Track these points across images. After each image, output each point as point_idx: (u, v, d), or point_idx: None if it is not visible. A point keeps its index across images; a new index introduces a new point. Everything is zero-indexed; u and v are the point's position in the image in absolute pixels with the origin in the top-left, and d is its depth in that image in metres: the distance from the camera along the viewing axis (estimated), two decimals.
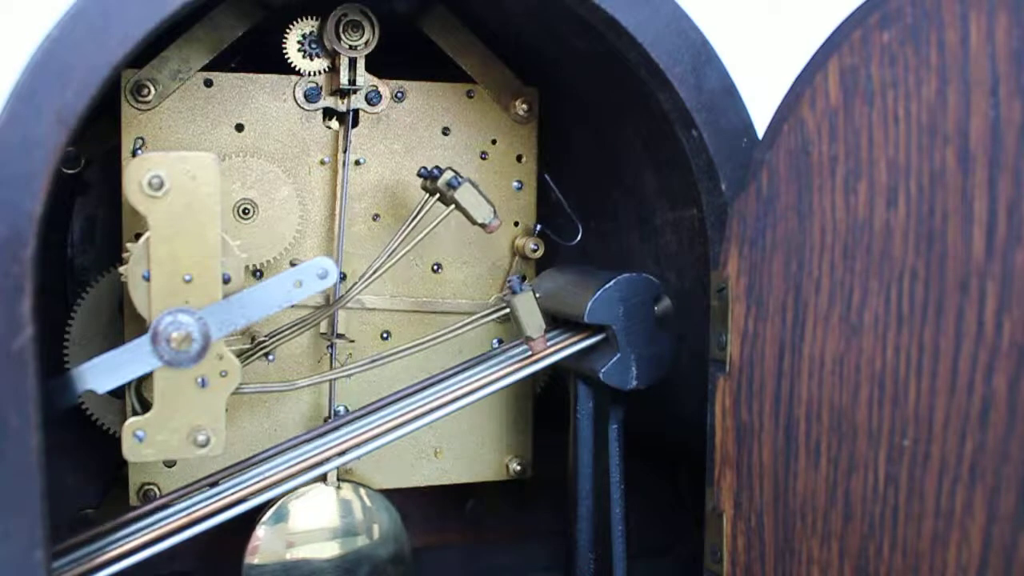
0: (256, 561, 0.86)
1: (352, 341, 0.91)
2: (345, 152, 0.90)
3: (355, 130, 0.91)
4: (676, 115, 0.76)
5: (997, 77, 0.52)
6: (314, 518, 0.88)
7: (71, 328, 0.88)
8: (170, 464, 0.88)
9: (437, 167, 0.84)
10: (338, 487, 0.89)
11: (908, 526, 0.58)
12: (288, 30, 0.87)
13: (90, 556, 0.70)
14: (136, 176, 0.65)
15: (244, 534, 0.88)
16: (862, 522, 0.61)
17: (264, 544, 0.86)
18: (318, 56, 0.88)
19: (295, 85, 0.89)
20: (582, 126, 0.99)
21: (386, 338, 0.93)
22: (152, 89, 0.85)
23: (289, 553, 0.87)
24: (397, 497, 0.92)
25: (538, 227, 0.96)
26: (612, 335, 0.81)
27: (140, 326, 0.69)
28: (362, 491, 0.90)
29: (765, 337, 0.69)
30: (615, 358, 0.81)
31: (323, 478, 0.88)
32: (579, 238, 0.97)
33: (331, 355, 0.91)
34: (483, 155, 0.95)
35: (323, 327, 0.90)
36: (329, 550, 0.88)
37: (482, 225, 0.82)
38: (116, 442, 0.73)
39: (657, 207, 0.88)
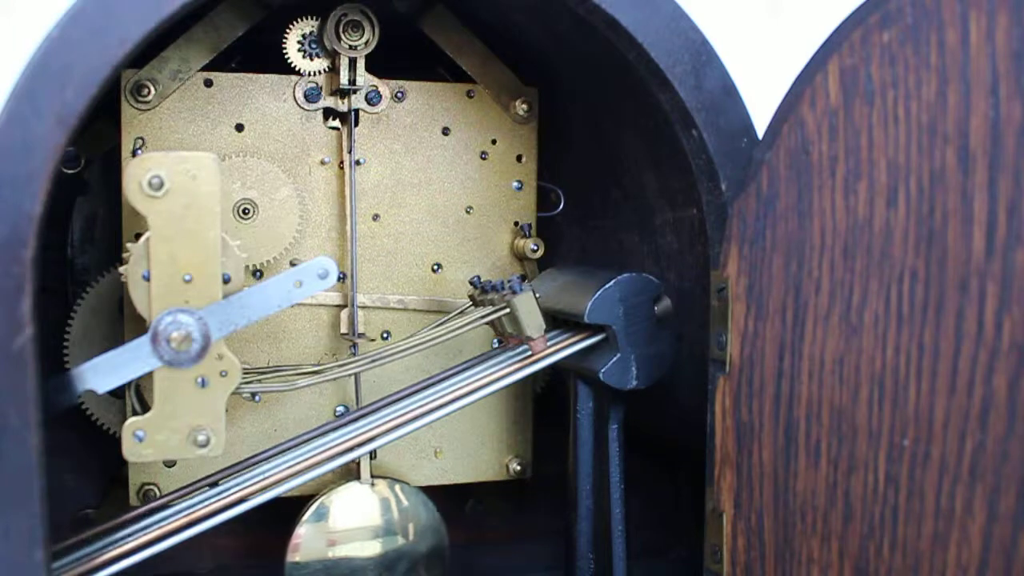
0: (298, 559, 0.87)
1: (373, 340, 0.92)
2: (350, 152, 0.90)
3: (355, 130, 0.91)
4: (676, 115, 0.76)
5: (997, 77, 0.52)
6: (353, 516, 0.89)
7: (71, 328, 0.88)
8: (170, 464, 0.88)
9: (490, 281, 0.83)
10: (372, 484, 0.89)
11: (908, 526, 0.58)
12: (288, 30, 0.87)
13: (90, 556, 0.70)
14: (136, 176, 0.65)
15: (244, 535, 0.88)
16: (862, 522, 0.61)
17: (305, 542, 0.87)
18: (318, 56, 0.88)
19: (295, 85, 0.89)
20: (582, 126, 0.99)
21: (386, 338, 0.93)
22: (152, 89, 0.85)
23: (330, 551, 0.88)
24: None
25: (528, 225, 0.95)
26: (612, 335, 0.81)
27: (140, 326, 0.69)
28: (397, 487, 0.90)
29: (765, 337, 0.69)
30: (615, 358, 0.81)
31: (357, 476, 0.89)
32: (561, 207, 0.99)
33: (353, 354, 0.91)
34: (483, 155, 0.95)
35: (343, 327, 0.91)
36: (369, 548, 0.89)
37: (528, 338, 0.80)
38: (116, 442, 0.73)
39: (657, 207, 0.88)
